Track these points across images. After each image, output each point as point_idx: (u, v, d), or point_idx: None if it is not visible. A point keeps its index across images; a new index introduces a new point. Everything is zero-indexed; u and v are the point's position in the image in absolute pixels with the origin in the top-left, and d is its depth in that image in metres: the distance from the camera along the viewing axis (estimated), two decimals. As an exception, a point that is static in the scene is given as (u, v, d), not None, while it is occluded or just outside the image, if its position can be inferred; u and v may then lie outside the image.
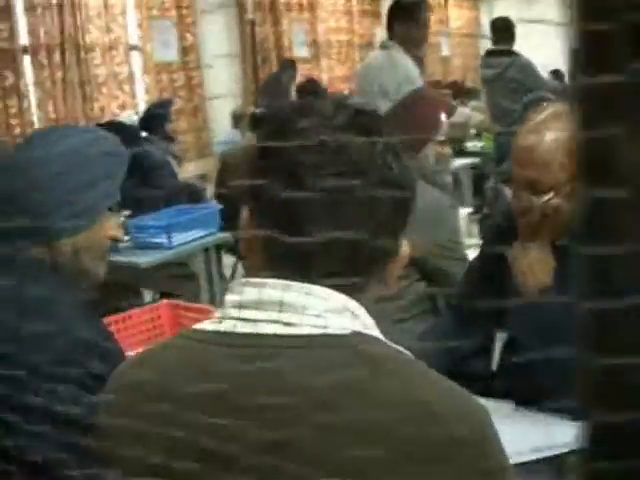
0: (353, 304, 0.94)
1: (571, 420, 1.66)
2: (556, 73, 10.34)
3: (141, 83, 8.03)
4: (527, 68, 6.12)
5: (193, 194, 5.21)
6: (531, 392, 1.71)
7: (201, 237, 4.33)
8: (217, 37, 8.55)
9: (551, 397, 1.65)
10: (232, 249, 4.63)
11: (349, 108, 0.98)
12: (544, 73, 10.70)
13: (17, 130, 6.99)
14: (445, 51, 10.00)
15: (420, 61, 4.35)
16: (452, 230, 2.61)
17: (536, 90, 5.57)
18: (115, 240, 1.74)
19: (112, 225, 1.68)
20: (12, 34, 6.93)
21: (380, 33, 8.79)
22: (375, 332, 0.96)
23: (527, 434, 1.67)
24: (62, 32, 7.29)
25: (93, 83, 7.53)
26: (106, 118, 7.48)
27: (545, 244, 1.78)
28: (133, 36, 7.82)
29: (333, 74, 10.22)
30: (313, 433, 0.83)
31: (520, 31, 12.93)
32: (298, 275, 0.92)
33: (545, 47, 12.28)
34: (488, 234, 2.23)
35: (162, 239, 4.17)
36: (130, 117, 6.37)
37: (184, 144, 8.28)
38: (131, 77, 7.90)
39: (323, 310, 0.91)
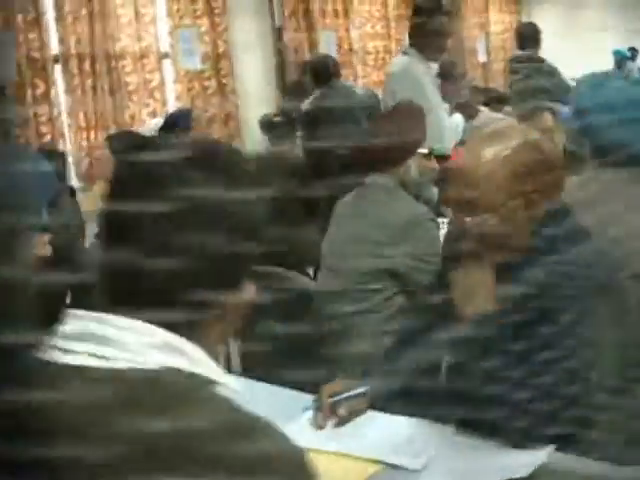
0: (177, 340, 0.93)
1: (511, 447, 1.61)
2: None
3: (172, 91, 8.08)
4: (552, 75, 6.01)
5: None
6: (470, 418, 1.65)
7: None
8: (250, 44, 8.55)
9: (490, 425, 1.60)
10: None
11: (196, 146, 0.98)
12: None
13: (47, 137, 7.09)
14: (482, 57, 9.86)
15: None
16: (430, 243, 2.55)
17: (562, 96, 5.45)
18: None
19: None
20: (43, 43, 7.02)
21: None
22: (203, 368, 0.94)
23: (459, 462, 1.62)
24: (92, 41, 7.36)
25: (124, 91, 7.59)
26: (136, 125, 7.56)
27: (485, 267, 1.72)
28: (164, 44, 7.86)
29: (369, 80, 10.17)
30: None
31: (563, 34, 12.78)
32: (126, 309, 0.92)
33: (589, 52, 12.11)
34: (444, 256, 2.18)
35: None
36: (157, 124, 6.41)
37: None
38: (162, 85, 7.95)
39: (143, 345, 0.90)
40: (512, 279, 1.64)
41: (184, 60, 6.13)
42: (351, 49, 9.87)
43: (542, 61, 6.22)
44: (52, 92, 7.12)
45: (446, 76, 9.10)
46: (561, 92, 5.74)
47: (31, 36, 6.96)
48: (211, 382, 0.94)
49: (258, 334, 2.67)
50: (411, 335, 1.92)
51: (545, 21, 13.13)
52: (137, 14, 7.72)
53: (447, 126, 4.11)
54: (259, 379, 2.60)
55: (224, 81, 8.42)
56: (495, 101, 6.72)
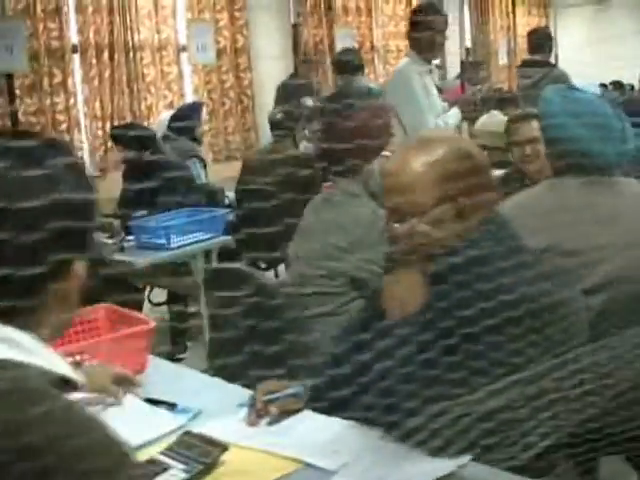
0: (5, 330, 0.94)
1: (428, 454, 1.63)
2: (617, 84, 10.08)
3: (189, 84, 8.15)
4: (561, 80, 5.97)
5: (212, 196, 5.26)
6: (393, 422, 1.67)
7: (202, 240, 4.37)
8: (269, 39, 8.59)
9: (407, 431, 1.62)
10: (230, 253, 4.65)
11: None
12: (597, 86, 10.45)
13: (63, 125, 7.19)
14: (503, 59, 9.83)
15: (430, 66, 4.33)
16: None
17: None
18: None
19: None
20: (62, 33, 7.12)
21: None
22: (36, 358, 0.95)
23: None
24: (112, 32, 7.45)
25: (141, 82, 7.68)
26: (153, 117, 7.64)
27: (416, 271, 1.74)
28: (183, 37, 7.93)
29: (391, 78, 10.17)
30: None
31: (591, 38, 12.69)
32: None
33: (616, 56, 12.02)
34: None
35: (162, 240, 4.24)
36: (167, 117, 6.46)
37: (232, 144, 8.38)
38: (180, 77, 8.02)
39: None
40: (437, 287, 1.67)
41: (198, 54, 6.18)
42: (372, 47, 9.89)
43: (552, 66, 6.19)
44: (69, 81, 7.21)
45: (468, 77, 9.11)
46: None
47: (51, 25, 7.06)
48: (44, 373, 0.95)
49: (223, 327, 2.73)
50: (347, 337, 1.95)
51: (573, 25, 13.09)
52: (156, 6, 7.80)
53: (428, 126, 4.11)
54: (218, 370, 2.64)
55: (242, 75, 8.48)
56: (506, 103, 6.70)
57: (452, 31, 11.01)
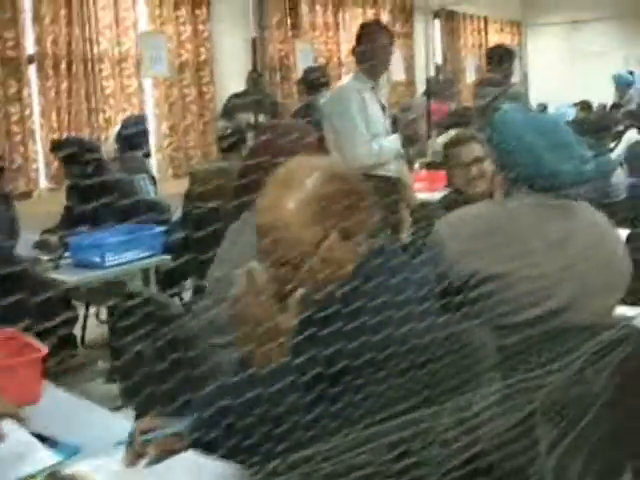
0: None
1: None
2: (584, 105, 10.05)
3: (150, 97, 8.04)
4: (516, 99, 5.89)
5: (156, 212, 5.14)
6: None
7: (139, 259, 4.25)
8: (233, 53, 8.50)
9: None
10: (176, 273, 4.53)
11: None
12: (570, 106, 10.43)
13: (18, 137, 7.05)
14: (472, 76, 9.79)
15: (377, 84, 4.24)
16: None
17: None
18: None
19: None
20: (18, 43, 6.99)
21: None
22: None
23: None
24: (70, 43, 7.33)
25: (100, 94, 7.56)
26: (112, 130, 7.52)
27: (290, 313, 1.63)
28: (144, 49, 7.81)
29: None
30: None
31: (564, 57, 12.69)
32: None
33: (588, 73, 12.02)
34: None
35: (96, 258, 4.12)
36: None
37: (194, 159, 8.28)
38: (141, 90, 7.91)
39: None
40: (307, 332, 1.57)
41: (151, 67, 6.07)
42: (340, 63, 9.81)
43: (509, 84, 6.08)
44: (25, 92, 7.08)
45: (436, 94, 9.05)
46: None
47: (7, 35, 6.94)
48: None
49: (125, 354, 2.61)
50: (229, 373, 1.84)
51: (546, 43, 13.10)
52: (117, 18, 7.69)
53: (360, 149, 4.02)
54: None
55: (204, 89, 8.39)
56: (465, 123, 6.64)
57: (421, 48, 11.02)
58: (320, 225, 1.62)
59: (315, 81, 6.87)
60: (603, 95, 10.85)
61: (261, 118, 6.23)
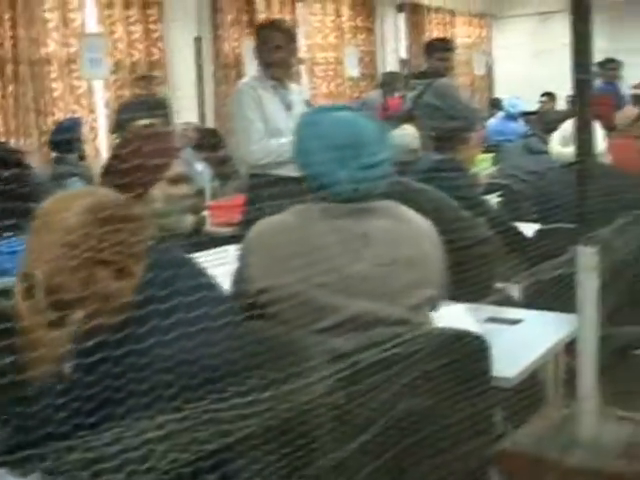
0: None
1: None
2: (549, 95, 10.00)
3: (101, 98, 7.99)
4: (444, 92, 5.80)
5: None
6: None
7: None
8: (186, 53, 8.45)
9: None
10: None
11: None
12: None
13: (-37, 141, 7.00)
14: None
15: (281, 83, 4.16)
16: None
17: (452, 116, 5.34)
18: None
19: None
20: (-40, 47, 6.94)
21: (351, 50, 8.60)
22: None
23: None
24: (15, 45, 7.26)
25: (48, 97, 7.50)
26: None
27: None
28: (94, 50, 7.76)
29: (318, 92, 10.06)
30: None
31: (532, 49, 12.62)
32: None
33: (556, 66, 11.95)
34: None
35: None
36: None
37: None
38: (90, 91, 7.85)
39: None
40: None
41: (89, 69, 6.02)
42: (299, 59, 9.74)
43: (436, 78, 5.95)
44: (-32, 96, 7.04)
45: (392, 88, 8.99)
46: (454, 113, 5.59)
47: (-50, 39, 6.90)
48: None
49: None
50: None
51: (513, 35, 13.03)
52: (65, 20, 7.62)
53: (253, 146, 3.96)
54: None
55: (157, 90, 8.32)
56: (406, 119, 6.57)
57: (385, 42, 10.97)
58: (84, 266, 1.58)
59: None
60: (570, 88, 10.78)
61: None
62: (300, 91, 4.32)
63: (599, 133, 3.81)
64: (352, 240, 2.02)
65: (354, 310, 1.96)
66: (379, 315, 1.95)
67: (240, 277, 2.10)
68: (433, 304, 2.12)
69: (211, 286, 1.73)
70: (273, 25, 4.18)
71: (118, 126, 6.44)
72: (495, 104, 10.77)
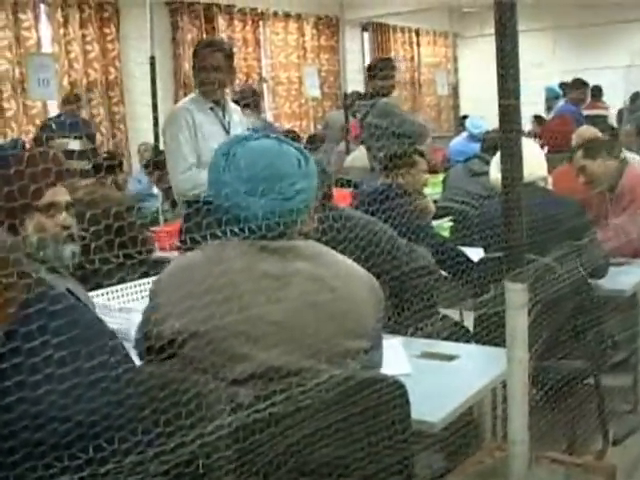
0: None
1: None
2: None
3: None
4: (386, 111, 5.70)
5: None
6: None
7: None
8: (144, 72, 8.31)
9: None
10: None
11: None
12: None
13: None
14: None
15: (219, 104, 4.02)
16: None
17: (397, 135, 5.27)
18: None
19: None
20: None
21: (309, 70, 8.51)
22: None
23: None
24: (-36, 65, 7.13)
25: (0, 117, 7.35)
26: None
27: None
28: (48, 70, 7.61)
29: (281, 111, 9.96)
30: None
31: (493, 68, 12.60)
32: None
33: (522, 86, 11.92)
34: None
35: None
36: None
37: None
38: (45, 111, 7.71)
39: None
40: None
41: (37, 90, 5.86)
42: (261, 78, 9.66)
43: (379, 98, 5.84)
44: None
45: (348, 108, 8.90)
46: (399, 130, 5.51)
47: None
48: None
49: None
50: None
51: (478, 54, 13.00)
52: (18, 39, 7.49)
53: (180, 176, 3.81)
54: None
55: (114, 109, 8.20)
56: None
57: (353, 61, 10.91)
58: None
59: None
60: (535, 107, 10.75)
61: (76, 144, 6.04)
62: (237, 111, 4.17)
63: (542, 158, 3.72)
64: (266, 281, 1.86)
65: (263, 360, 1.80)
66: (291, 367, 1.79)
67: (147, 318, 1.95)
68: (362, 356, 1.89)
69: (97, 334, 1.59)
70: (212, 45, 4.04)
71: (37, 144, 6.32)
72: (462, 123, 10.70)
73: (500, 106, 1.96)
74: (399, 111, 5.82)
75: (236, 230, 1.91)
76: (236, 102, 6.63)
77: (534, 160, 3.59)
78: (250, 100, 6.86)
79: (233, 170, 1.93)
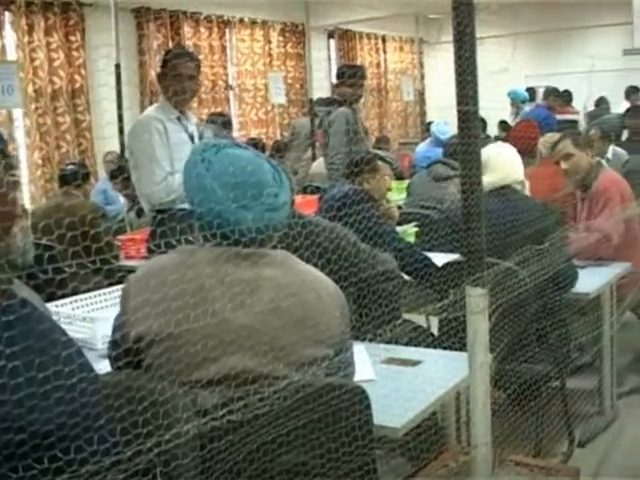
0: None
1: None
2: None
3: (21, 127, 7.78)
4: (341, 120, 5.71)
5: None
6: None
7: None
8: (110, 80, 8.27)
9: None
10: None
11: None
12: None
13: None
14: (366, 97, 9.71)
15: (184, 113, 4.01)
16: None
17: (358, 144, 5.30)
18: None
19: None
20: None
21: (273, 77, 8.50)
22: None
23: None
24: None
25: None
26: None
27: None
28: (12, 77, 7.55)
29: (247, 119, 9.94)
30: None
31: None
32: None
33: (489, 91, 12.02)
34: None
35: None
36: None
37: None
38: (10, 120, 7.65)
39: None
40: None
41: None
42: (227, 86, 9.64)
43: (338, 105, 5.84)
44: None
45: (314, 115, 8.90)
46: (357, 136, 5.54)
47: None
48: None
49: None
50: None
51: (445, 60, 13.08)
52: (-21, 46, 7.43)
53: (156, 187, 3.78)
54: None
55: (80, 117, 8.15)
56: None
57: (319, 68, 10.92)
58: None
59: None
60: (502, 112, 10.82)
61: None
62: (194, 120, 4.17)
63: (517, 161, 3.74)
64: (236, 287, 1.86)
65: (231, 364, 1.79)
66: (259, 371, 1.78)
67: (117, 323, 1.94)
68: (327, 363, 1.89)
69: (51, 343, 1.57)
70: (185, 55, 4.03)
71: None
72: (428, 129, 10.76)
73: (459, 112, 1.97)
74: (350, 124, 5.76)
75: (208, 236, 1.90)
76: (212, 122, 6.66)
77: (509, 164, 3.63)
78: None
79: (217, 177, 1.91)
